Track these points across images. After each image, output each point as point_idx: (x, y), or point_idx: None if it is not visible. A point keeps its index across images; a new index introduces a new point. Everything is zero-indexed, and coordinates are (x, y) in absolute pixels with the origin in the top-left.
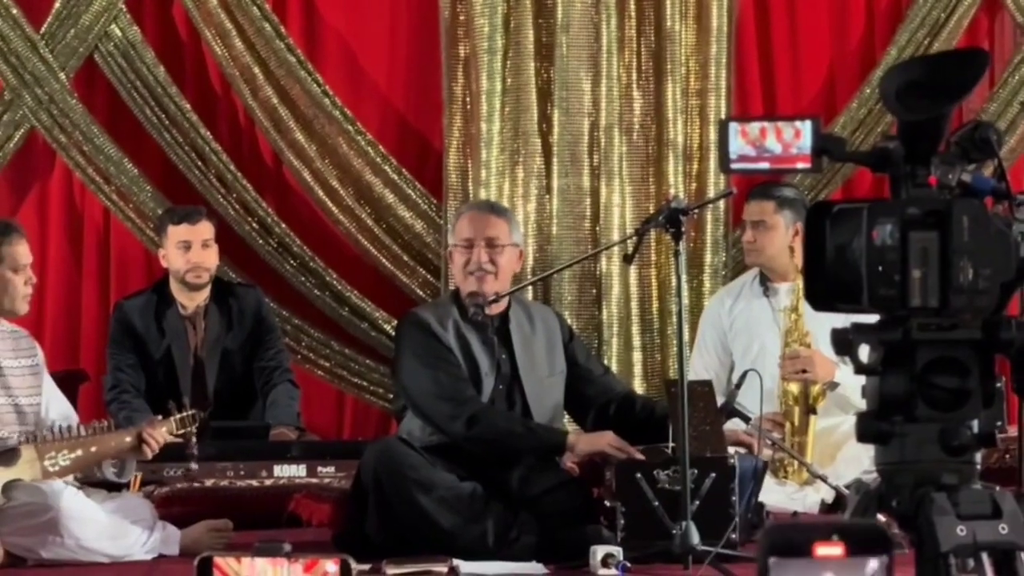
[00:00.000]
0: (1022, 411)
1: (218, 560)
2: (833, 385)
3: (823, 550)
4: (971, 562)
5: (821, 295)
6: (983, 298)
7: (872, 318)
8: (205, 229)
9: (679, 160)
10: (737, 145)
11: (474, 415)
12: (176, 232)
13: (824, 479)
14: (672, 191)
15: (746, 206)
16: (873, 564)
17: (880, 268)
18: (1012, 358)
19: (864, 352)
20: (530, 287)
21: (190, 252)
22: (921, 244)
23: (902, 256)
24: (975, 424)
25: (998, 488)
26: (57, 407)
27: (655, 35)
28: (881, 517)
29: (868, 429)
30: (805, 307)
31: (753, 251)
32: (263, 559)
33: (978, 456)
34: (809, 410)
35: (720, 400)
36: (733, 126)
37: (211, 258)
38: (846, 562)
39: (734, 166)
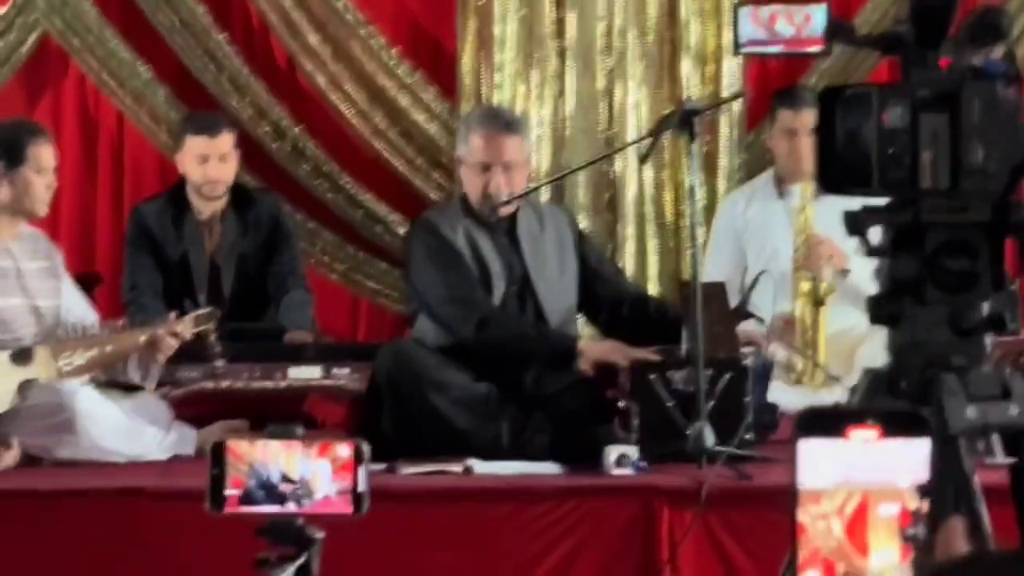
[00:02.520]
0: None
1: (231, 444)
2: (845, 273)
3: (857, 433)
4: (981, 443)
5: (833, 179)
6: (993, 181)
7: (883, 201)
8: (224, 142)
9: (694, 62)
10: (748, 28)
11: (484, 318)
12: (194, 143)
13: (838, 379)
14: (686, 93)
15: (780, 114)
16: (908, 446)
17: (890, 151)
18: (1021, 240)
19: (875, 234)
20: (545, 189)
21: (207, 165)
22: (931, 126)
23: (912, 138)
24: (984, 307)
25: (1008, 370)
26: (77, 310)
27: None
28: None
29: (879, 311)
30: (814, 207)
31: (791, 159)
32: (276, 442)
33: (988, 339)
34: (818, 302)
35: (734, 301)
36: (744, 10)
37: (229, 172)
38: (880, 444)
39: (745, 49)
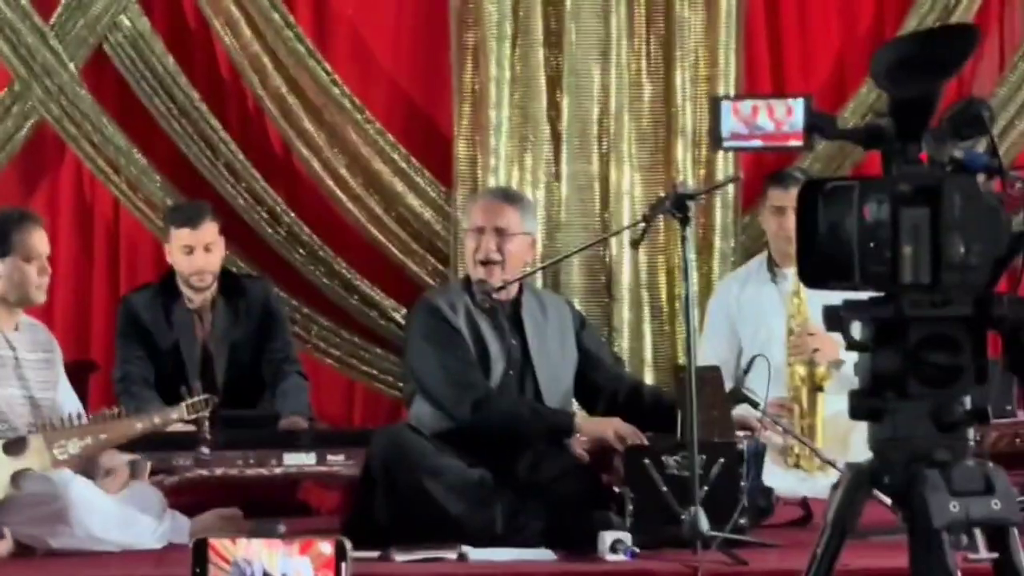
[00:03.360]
0: None
1: (213, 541)
2: (839, 363)
3: None
4: (964, 538)
5: (813, 273)
6: (974, 274)
7: (865, 295)
8: (208, 232)
9: (688, 146)
10: (729, 123)
11: (479, 399)
12: (179, 236)
13: (833, 464)
14: (681, 176)
15: (770, 193)
16: None
17: (872, 245)
18: (1004, 334)
19: (856, 329)
20: (539, 274)
21: (193, 256)
22: (912, 221)
23: (893, 233)
24: (967, 400)
25: (991, 464)
26: (69, 406)
27: (664, 21)
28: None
29: (860, 406)
30: (808, 292)
31: (783, 239)
32: (258, 540)
33: (971, 432)
34: (816, 388)
35: (728, 386)
36: (725, 104)
37: (214, 261)
38: None
39: (726, 144)
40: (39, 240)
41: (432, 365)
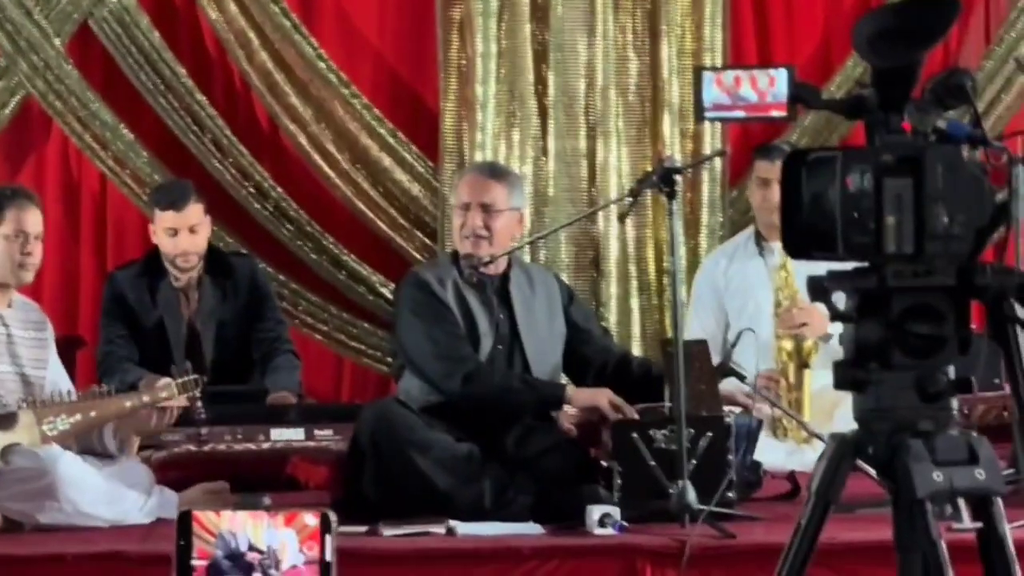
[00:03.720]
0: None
1: (198, 514)
2: (827, 337)
3: None
4: (948, 508)
5: (797, 244)
6: (958, 244)
7: (849, 266)
8: (192, 214)
9: (675, 120)
10: (712, 94)
11: (470, 372)
12: (163, 218)
13: (820, 437)
14: (667, 151)
15: (756, 165)
16: None
17: (855, 215)
18: (987, 304)
19: (840, 299)
20: (527, 249)
21: (177, 238)
22: (895, 190)
23: (876, 203)
24: (951, 370)
25: (974, 434)
26: (61, 382)
27: None
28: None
29: (844, 377)
30: (794, 265)
31: (765, 211)
32: (243, 513)
33: (954, 402)
34: (803, 364)
35: (716, 360)
36: (707, 75)
37: (199, 243)
38: None
39: (708, 114)
40: (27, 218)
41: (421, 339)
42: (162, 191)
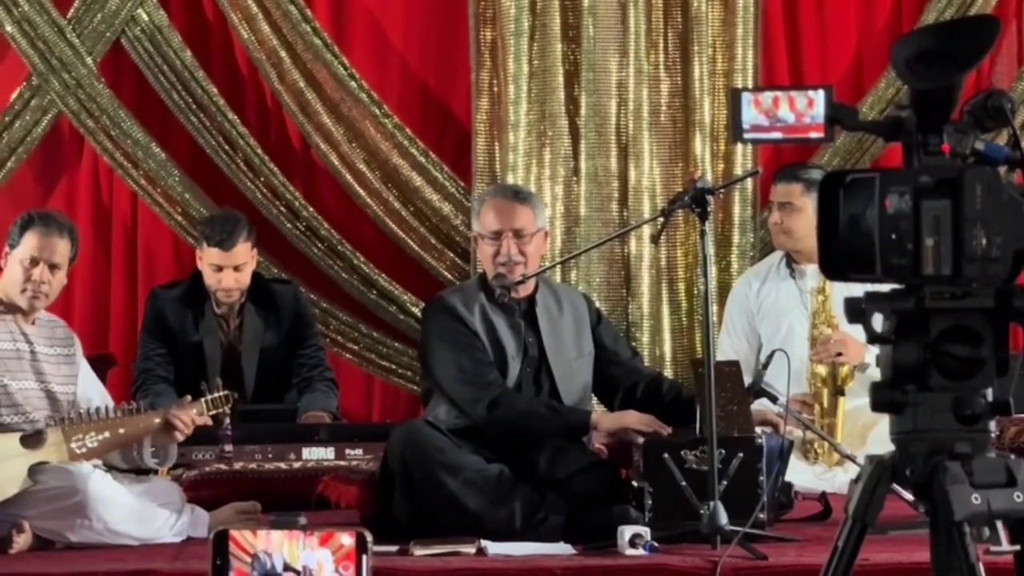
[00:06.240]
0: None
1: (234, 534)
2: (864, 366)
3: None
4: (986, 530)
5: (835, 265)
6: (996, 266)
7: (886, 287)
8: (240, 253)
9: (706, 140)
10: (750, 115)
11: (496, 398)
12: (209, 253)
13: (853, 459)
14: (699, 171)
15: (773, 188)
16: None
17: (893, 237)
18: None
19: (878, 321)
20: (558, 269)
21: (221, 274)
22: (933, 212)
23: (915, 224)
24: (989, 392)
25: (1012, 456)
26: (96, 398)
27: (682, 16)
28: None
29: (881, 398)
30: (832, 288)
31: (781, 233)
32: (279, 532)
33: (992, 424)
34: (837, 391)
35: (747, 380)
36: (746, 96)
37: (243, 280)
38: None
39: (747, 136)
40: (44, 245)
41: (447, 365)
42: (213, 225)
